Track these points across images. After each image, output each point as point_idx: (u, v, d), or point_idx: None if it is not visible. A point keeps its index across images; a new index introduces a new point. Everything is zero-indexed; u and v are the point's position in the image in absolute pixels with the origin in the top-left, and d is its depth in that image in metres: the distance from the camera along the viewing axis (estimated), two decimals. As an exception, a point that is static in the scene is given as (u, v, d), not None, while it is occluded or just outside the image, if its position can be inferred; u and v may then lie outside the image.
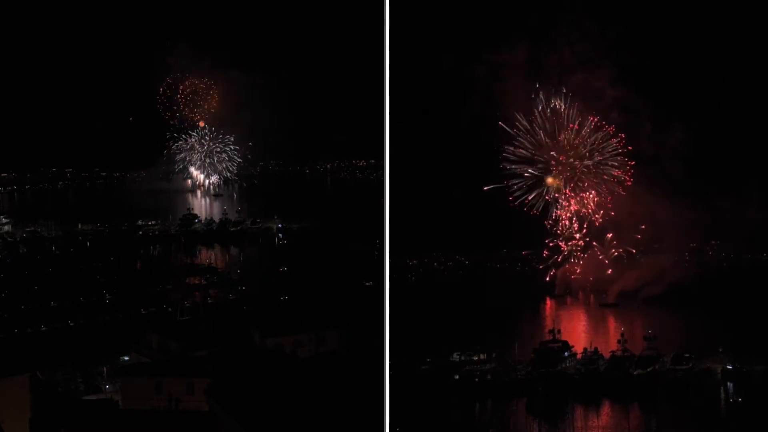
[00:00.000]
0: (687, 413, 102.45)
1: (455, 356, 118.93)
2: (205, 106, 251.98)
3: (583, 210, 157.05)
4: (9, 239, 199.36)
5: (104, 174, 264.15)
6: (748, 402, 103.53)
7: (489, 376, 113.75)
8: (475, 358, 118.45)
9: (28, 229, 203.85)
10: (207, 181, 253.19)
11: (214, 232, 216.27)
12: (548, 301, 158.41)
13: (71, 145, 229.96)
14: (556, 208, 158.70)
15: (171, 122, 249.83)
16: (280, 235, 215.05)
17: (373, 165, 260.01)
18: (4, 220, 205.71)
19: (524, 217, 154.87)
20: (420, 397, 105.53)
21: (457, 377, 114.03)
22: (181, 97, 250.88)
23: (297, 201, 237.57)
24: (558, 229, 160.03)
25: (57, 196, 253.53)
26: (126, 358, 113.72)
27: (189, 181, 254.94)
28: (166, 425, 79.47)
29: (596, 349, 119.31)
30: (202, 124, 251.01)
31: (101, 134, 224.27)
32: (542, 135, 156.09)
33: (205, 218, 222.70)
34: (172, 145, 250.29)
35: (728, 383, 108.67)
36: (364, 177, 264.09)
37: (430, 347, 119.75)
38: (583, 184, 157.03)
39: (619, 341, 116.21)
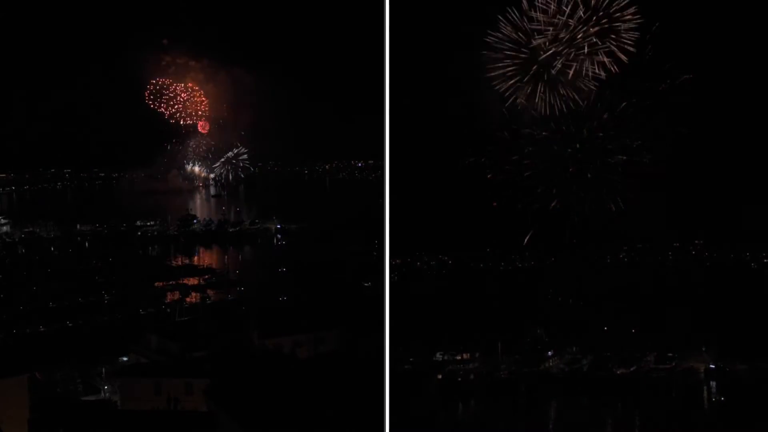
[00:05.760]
0: (670, 412, 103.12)
1: (438, 356, 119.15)
2: (204, 106, 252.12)
3: None
4: (7, 240, 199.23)
5: (103, 174, 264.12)
6: (731, 401, 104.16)
7: (472, 376, 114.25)
8: (458, 357, 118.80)
9: (26, 230, 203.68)
10: (206, 182, 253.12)
11: (213, 233, 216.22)
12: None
13: (70, 146, 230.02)
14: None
15: (170, 121, 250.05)
16: (279, 235, 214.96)
17: (371, 165, 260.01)
18: (2, 221, 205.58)
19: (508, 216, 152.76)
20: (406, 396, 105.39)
21: (440, 377, 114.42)
22: (179, 96, 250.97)
23: (296, 201, 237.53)
24: None
25: (56, 197, 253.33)
26: (125, 359, 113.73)
27: (188, 181, 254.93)
28: (165, 426, 79.44)
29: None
30: (201, 126, 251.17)
31: (99, 134, 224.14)
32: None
33: (204, 219, 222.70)
34: (169, 146, 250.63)
35: (711, 382, 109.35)
36: (363, 177, 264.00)
37: (414, 347, 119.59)
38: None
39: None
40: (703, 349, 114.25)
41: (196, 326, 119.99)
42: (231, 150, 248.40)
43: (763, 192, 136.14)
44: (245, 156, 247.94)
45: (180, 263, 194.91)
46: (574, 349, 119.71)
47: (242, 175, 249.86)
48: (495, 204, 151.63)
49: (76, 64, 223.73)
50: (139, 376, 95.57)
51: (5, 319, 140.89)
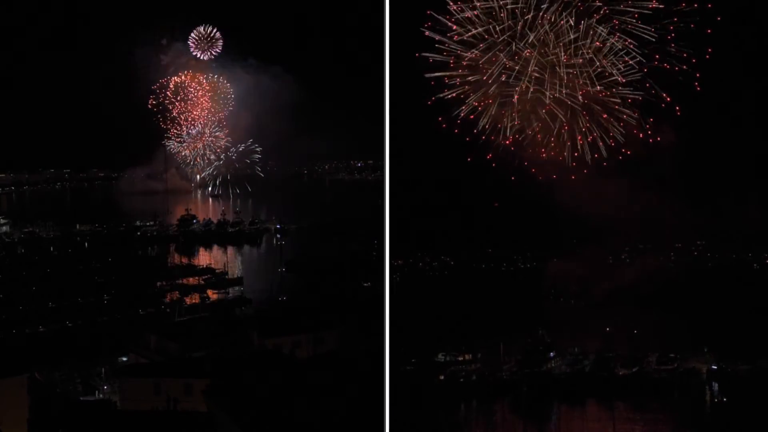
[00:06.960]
0: (672, 413, 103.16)
1: (440, 357, 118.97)
2: (203, 106, 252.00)
3: None
4: (7, 240, 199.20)
5: (102, 174, 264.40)
6: (733, 402, 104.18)
7: (474, 377, 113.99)
8: (460, 358, 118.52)
9: (26, 230, 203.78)
10: (205, 181, 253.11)
11: (213, 233, 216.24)
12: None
13: (70, 146, 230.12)
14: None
15: (169, 118, 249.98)
16: (278, 235, 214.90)
17: (371, 165, 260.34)
18: (2, 221, 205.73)
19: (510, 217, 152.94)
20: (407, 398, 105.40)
21: (442, 378, 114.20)
22: (177, 97, 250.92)
23: (295, 201, 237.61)
24: None
25: (55, 197, 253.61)
26: (124, 359, 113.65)
27: (187, 181, 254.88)
28: (164, 426, 79.44)
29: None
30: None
31: (99, 134, 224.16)
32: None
33: (204, 219, 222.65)
34: (169, 146, 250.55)
35: (713, 383, 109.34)
36: (362, 177, 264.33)
37: (417, 348, 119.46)
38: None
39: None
40: (705, 350, 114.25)
41: (196, 326, 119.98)
42: (230, 150, 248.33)
43: (764, 192, 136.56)
44: (245, 156, 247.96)
45: (180, 263, 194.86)
46: (576, 349, 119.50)
47: (242, 175, 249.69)
48: (496, 204, 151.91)
49: (75, 63, 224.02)
50: (139, 376, 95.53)
51: (5, 319, 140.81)
